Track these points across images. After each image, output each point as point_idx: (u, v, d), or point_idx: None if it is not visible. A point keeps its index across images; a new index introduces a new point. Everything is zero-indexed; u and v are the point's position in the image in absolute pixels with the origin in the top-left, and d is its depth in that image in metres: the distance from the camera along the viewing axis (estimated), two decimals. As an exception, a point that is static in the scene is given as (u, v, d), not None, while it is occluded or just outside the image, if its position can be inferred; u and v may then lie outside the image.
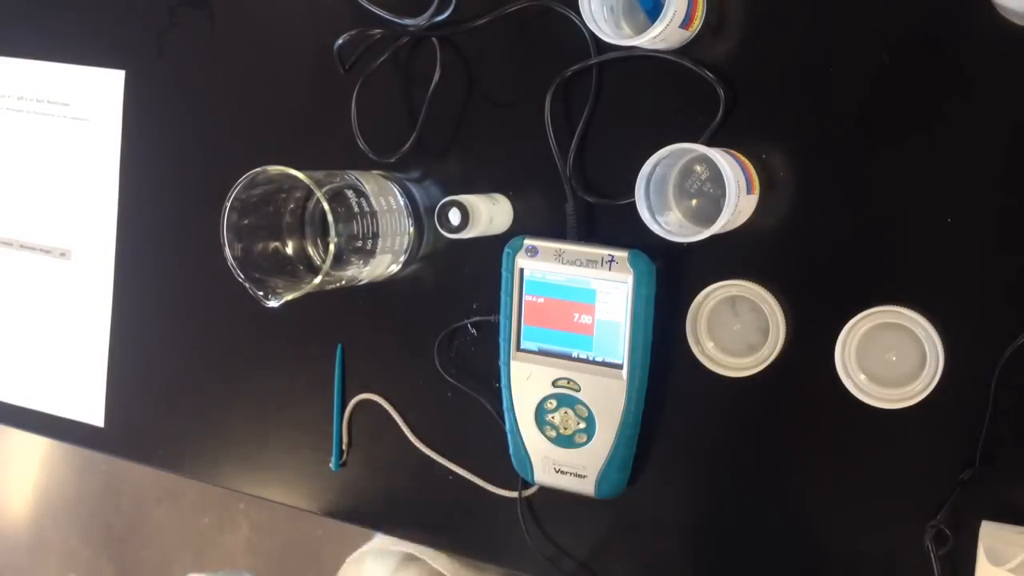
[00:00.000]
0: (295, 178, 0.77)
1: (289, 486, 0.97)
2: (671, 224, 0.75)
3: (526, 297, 0.81)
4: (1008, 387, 0.71)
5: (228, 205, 0.79)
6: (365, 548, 1.00)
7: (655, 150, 0.72)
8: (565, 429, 0.82)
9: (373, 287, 0.88)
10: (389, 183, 0.86)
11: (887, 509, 0.76)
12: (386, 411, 0.93)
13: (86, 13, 1.03)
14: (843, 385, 0.74)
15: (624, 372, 0.79)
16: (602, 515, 0.85)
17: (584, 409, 0.81)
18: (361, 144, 0.89)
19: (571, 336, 0.81)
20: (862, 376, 0.75)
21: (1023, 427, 0.72)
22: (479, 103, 0.87)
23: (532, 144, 0.84)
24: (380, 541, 1.01)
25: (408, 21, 0.87)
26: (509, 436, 0.84)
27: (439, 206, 0.80)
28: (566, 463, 0.83)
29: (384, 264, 0.85)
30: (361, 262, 0.82)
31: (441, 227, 0.80)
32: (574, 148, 0.83)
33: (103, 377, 1.05)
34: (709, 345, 0.80)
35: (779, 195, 0.78)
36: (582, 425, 0.81)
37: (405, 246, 0.86)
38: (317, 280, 0.77)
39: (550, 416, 0.82)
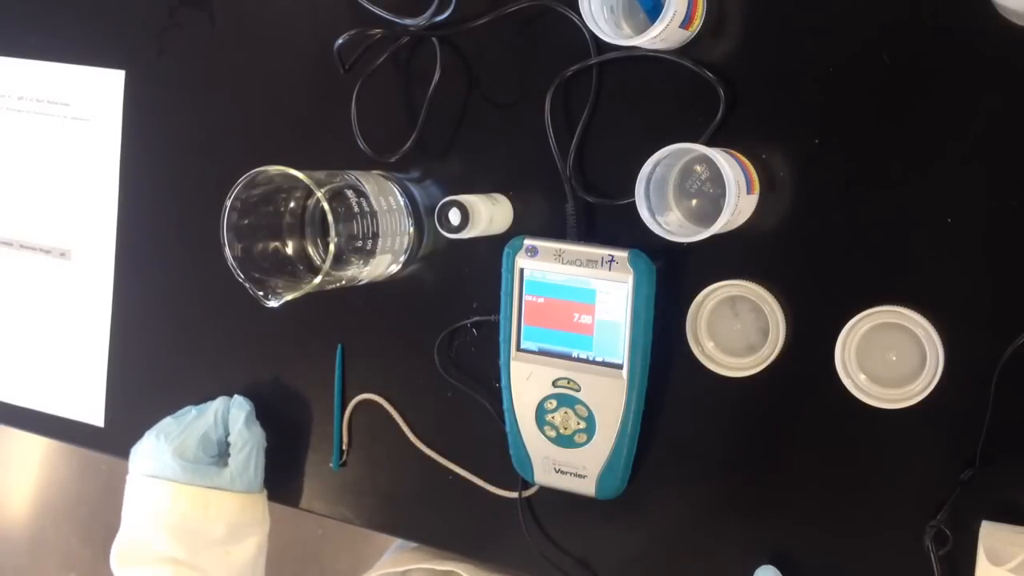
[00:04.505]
0: (295, 178, 0.77)
1: (289, 486, 0.97)
2: (671, 224, 0.75)
3: (526, 297, 0.81)
4: (1008, 387, 0.71)
5: (228, 205, 0.79)
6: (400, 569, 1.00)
7: (655, 150, 0.72)
8: (565, 429, 0.82)
9: (373, 287, 0.88)
10: (389, 183, 0.86)
11: (887, 509, 0.76)
12: (386, 411, 0.93)
13: (86, 13, 1.03)
14: (843, 385, 0.74)
15: (624, 372, 0.79)
16: (602, 515, 0.85)
17: (584, 409, 0.81)
18: (361, 144, 0.89)
19: (571, 336, 0.80)
20: (862, 376, 0.75)
21: (1023, 427, 0.72)
22: (479, 103, 0.87)
23: (532, 144, 0.84)
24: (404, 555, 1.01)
25: (408, 21, 0.87)
26: (509, 436, 0.84)
27: (439, 206, 0.80)
28: (566, 463, 0.83)
29: (384, 264, 0.85)
30: (361, 262, 0.82)
31: (441, 227, 0.80)
32: (574, 148, 0.83)
33: (103, 377, 1.04)
34: (709, 345, 0.80)
35: (779, 195, 0.78)
36: (582, 425, 0.81)
37: (405, 246, 0.86)
38: (317, 280, 0.77)
39: (550, 416, 0.82)
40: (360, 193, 0.82)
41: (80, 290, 1.05)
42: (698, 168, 0.77)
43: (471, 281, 0.88)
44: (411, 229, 0.87)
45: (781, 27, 0.77)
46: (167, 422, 0.93)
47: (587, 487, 0.83)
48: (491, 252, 0.83)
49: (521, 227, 0.86)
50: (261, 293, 0.79)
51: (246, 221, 0.81)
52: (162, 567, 0.88)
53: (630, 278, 0.78)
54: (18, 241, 1.08)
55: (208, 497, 0.88)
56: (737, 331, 0.79)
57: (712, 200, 0.76)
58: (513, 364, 0.83)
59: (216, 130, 0.98)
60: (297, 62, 0.94)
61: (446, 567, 0.94)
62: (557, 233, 0.82)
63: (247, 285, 0.79)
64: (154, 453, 0.90)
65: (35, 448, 2.46)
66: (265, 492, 0.93)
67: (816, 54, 0.76)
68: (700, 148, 0.71)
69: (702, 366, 0.79)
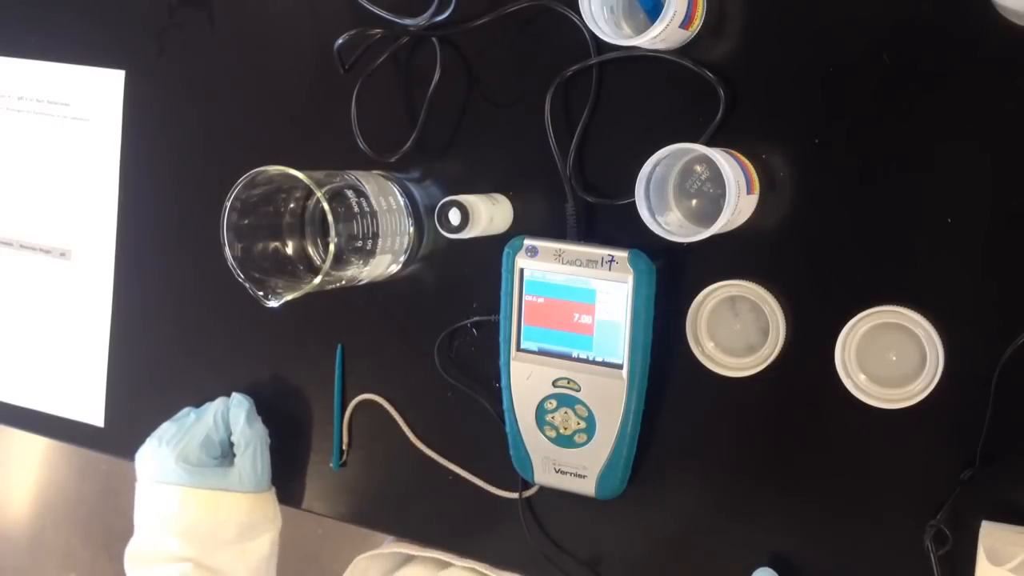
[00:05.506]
0: (295, 178, 0.77)
1: (289, 486, 0.97)
2: (671, 224, 0.75)
3: (526, 297, 0.81)
4: (1008, 387, 0.71)
5: (228, 205, 0.79)
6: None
7: (655, 150, 0.72)
8: (565, 429, 0.82)
9: (373, 287, 0.88)
10: (389, 183, 0.86)
11: (887, 509, 0.76)
12: (386, 411, 0.93)
13: (86, 13, 1.03)
14: (843, 385, 0.74)
15: (624, 372, 0.79)
16: (602, 515, 0.85)
17: (584, 409, 0.81)
18: (361, 144, 0.89)
19: (571, 336, 0.80)
20: (862, 376, 0.75)
21: (1023, 427, 0.72)
22: (479, 103, 0.87)
23: (532, 144, 0.84)
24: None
25: (408, 21, 0.87)
26: (509, 436, 0.84)
27: (439, 206, 0.80)
28: (566, 463, 0.83)
29: (384, 264, 0.85)
30: (361, 262, 0.82)
31: (441, 227, 0.80)
32: (574, 148, 0.83)
33: (103, 377, 1.04)
34: (709, 345, 0.80)
35: (779, 195, 0.78)
36: (582, 425, 0.81)
37: (405, 246, 0.86)
38: (317, 280, 0.77)
39: (550, 416, 0.82)
40: (360, 193, 0.82)
41: (80, 290, 1.05)
42: (698, 168, 0.77)
43: (471, 281, 0.88)
44: (411, 229, 0.87)
45: (781, 27, 0.77)
46: (167, 427, 0.92)
47: (587, 487, 0.83)
48: (491, 252, 0.83)
49: (521, 227, 0.86)
50: (261, 293, 0.79)
51: (246, 221, 0.81)
52: (178, 564, 0.88)
53: (630, 278, 0.78)
54: (18, 241, 1.08)
55: (217, 499, 0.88)
56: (737, 331, 0.79)
57: (712, 200, 0.76)
58: (513, 364, 0.83)
59: (216, 130, 0.98)
60: (297, 62, 0.94)
61: (465, 563, 0.93)
62: (557, 233, 0.82)
63: (247, 285, 0.79)
64: (157, 459, 0.89)
65: (35, 448, 2.46)
66: (274, 490, 0.93)
67: (816, 54, 0.76)
68: (700, 148, 0.71)
69: (702, 366, 0.79)
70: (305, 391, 0.96)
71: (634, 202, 0.73)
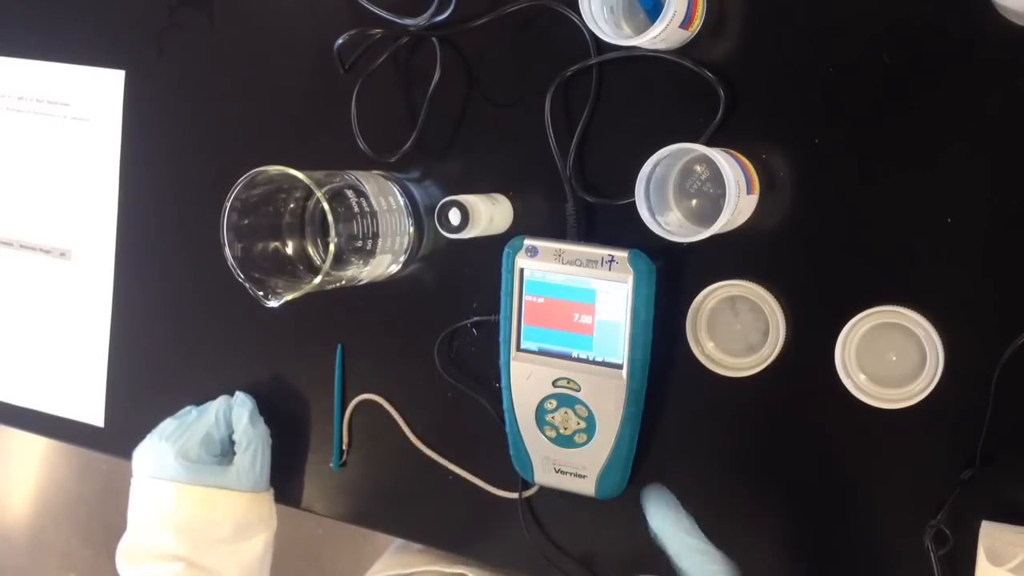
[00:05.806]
0: (295, 178, 0.77)
1: (289, 486, 0.97)
2: (671, 224, 0.75)
3: (526, 297, 0.81)
4: (1008, 387, 0.71)
5: (228, 205, 0.79)
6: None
7: (655, 150, 0.72)
8: (565, 429, 0.82)
9: (373, 287, 0.88)
10: (389, 183, 0.86)
11: (887, 509, 0.76)
12: (386, 411, 0.93)
13: (86, 13, 1.03)
14: (843, 385, 0.74)
15: (624, 372, 0.79)
16: (602, 515, 0.85)
17: (584, 409, 0.81)
18: (361, 144, 0.89)
19: (571, 336, 0.80)
20: (862, 376, 0.75)
21: (1023, 427, 0.72)
22: (479, 103, 0.87)
23: (532, 144, 0.84)
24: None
25: (408, 21, 0.87)
26: (509, 436, 0.84)
27: (439, 206, 0.80)
28: (566, 463, 0.83)
29: (384, 264, 0.85)
30: (361, 262, 0.82)
31: (441, 227, 0.80)
32: (574, 148, 0.83)
33: (103, 377, 1.04)
34: (709, 345, 0.80)
35: (779, 195, 0.78)
36: (582, 425, 0.81)
37: (405, 246, 0.86)
38: (317, 280, 0.77)
39: (550, 416, 0.82)
40: (360, 193, 0.82)
41: (80, 290, 1.05)
42: (698, 168, 0.77)
43: (471, 281, 0.88)
44: (411, 229, 0.87)
45: (781, 27, 0.77)
46: (168, 423, 0.92)
47: (587, 487, 0.83)
48: (491, 252, 0.83)
49: (521, 227, 0.86)
50: (261, 293, 0.79)
51: (246, 221, 0.81)
52: (168, 563, 0.88)
53: (630, 278, 0.78)
54: (18, 241, 1.08)
55: (214, 497, 0.88)
56: (737, 331, 0.79)
57: (712, 200, 0.76)
58: (513, 364, 0.83)
59: (216, 130, 0.98)
60: (297, 62, 0.94)
61: (455, 570, 0.93)
62: (557, 233, 0.82)
63: (247, 285, 0.79)
64: (156, 455, 0.89)
65: (35, 448, 2.46)
66: (272, 491, 0.93)
67: (816, 54, 0.76)
68: (700, 148, 0.71)
69: (702, 366, 0.79)
70: (305, 391, 0.96)
71: (634, 202, 0.73)
